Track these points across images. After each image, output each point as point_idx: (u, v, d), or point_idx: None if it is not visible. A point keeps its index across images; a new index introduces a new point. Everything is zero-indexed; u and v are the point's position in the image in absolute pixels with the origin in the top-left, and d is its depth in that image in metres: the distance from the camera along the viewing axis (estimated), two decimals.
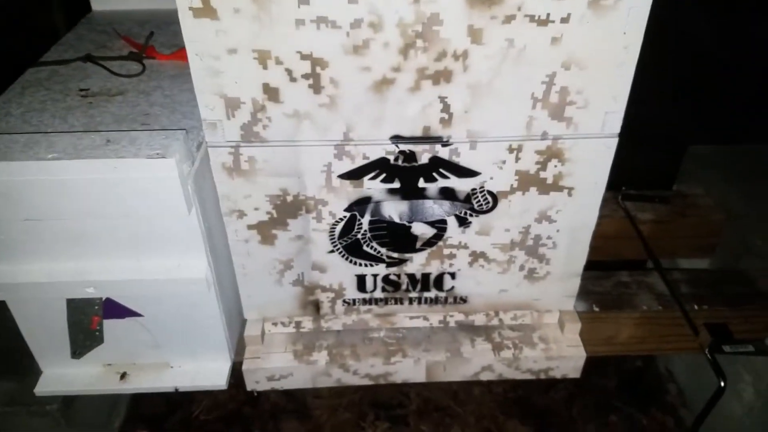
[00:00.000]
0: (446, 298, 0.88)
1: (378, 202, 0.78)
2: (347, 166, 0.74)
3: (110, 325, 0.85)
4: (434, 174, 0.75)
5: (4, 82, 0.89)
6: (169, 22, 1.07)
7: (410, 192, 0.77)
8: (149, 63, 0.93)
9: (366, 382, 0.88)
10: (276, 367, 0.86)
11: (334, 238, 0.81)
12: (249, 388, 0.88)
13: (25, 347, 0.89)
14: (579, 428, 1.19)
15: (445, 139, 0.72)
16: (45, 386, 0.89)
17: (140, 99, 0.84)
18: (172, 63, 0.94)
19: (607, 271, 1.05)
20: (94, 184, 0.69)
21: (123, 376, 0.89)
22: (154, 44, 0.98)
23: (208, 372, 0.90)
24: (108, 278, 0.77)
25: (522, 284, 0.86)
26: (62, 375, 0.90)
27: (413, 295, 0.88)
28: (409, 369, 0.87)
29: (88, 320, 0.84)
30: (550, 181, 0.76)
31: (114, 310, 0.83)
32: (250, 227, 0.79)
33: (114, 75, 0.90)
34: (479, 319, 0.90)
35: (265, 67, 0.65)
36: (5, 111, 0.81)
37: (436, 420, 1.17)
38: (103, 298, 0.82)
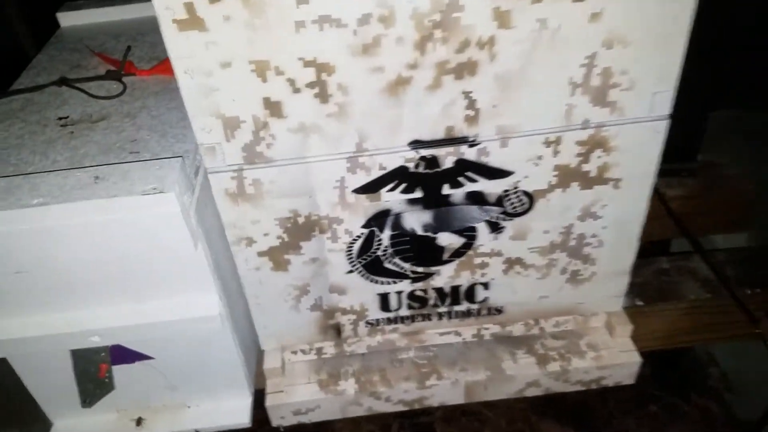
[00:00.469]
0: (479, 310, 0.82)
1: (398, 215, 0.71)
2: (362, 179, 0.68)
3: (120, 371, 0.80)
4: (460, 178, 0.68)
5: None
6: (144, 32, 1.00)
7: (433, 200, 0.70)
8: (129, 80, 0.86)
9: (400, 408, 0.83)
10: (301, 401, 0.81)
11: (352, 258, 0.75)
12: (274, 424, 0.83)
13: (31, 397, 0.84)
14: (618, 423, 1.13)
15: (471, 139, 0.65)
16: None
17: (125, 123, 0.77)
18: (154, 78, 0.87)
19: (644, 258, 0.99)
20: (86, 227, 0.63)
21: (139, 421, 0.84)
22: (132, 59, 0.91)
23: (229, 410, 0.85)
24: (113, 324, 0.72)
25: (564, 288, 0.80)
26: (74, 425, 0.86)
27: (442, 309, 0.82)
28: (446, 391, 0.82)
29: (96, 369, 0.79)
30: (593, 173, 0.69)
31: (123, 355, 0.78)
32: (260, 254, 0.73)
33: (93, 98, 0.83)
34: (517, 330, 0.85)
35: (264, 80, 0.59)
36: None
37: (464, 426, 1.12)
38: (110, 345, 0.76)
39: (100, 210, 0.61)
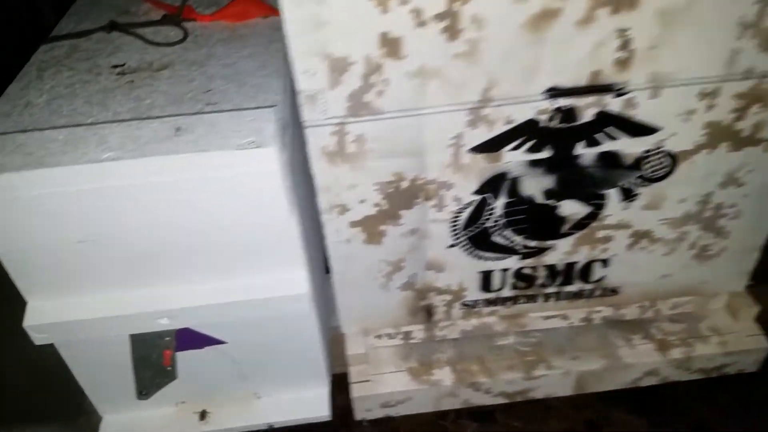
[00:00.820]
0: (592, 291, 0.75)
1: (516, 179, 0.64)
2: (483, 135, 0.60)
3: (183, 357, 0.73)
4: (598, 135, 0.61)
5: (10, 66, 0.74)
6: None
7: (562, 162, 0.63)
8: (188, 27, 0.77)
9: (499, 401, 0.76)
10: (391, 391, 0.74)
11: (457, 229, 0.67)
12: (359, 417, 0.76)
13: (79, 388, 0.76)
14: (690, 413, 1.07)
15: (618, 87, 0.57)
16: None
17: (193, 72, 0.68)
18: (217, 24, 0.78)
19: None
20: (166, 187, 0.55)
21: (203, 415, 0.77)
22: (189, 3, 0.82)
23: (304, 400, 0.77)
24: (186, 305, 0.64)
25: (689, 266, 0.73)
26: (127, 420, 0.78)
27: (551, 290, 0.75)
28: (555, 382, 0.75)
29: (158, 356, 0.71)
30: (746, 132, 0.61)
31: (191, 340, 0.70)
32: (353, 224, 0.66)
33: (151, 45, 0.74)
34: (631, 313, 0.77)
35: (384, 10, 0.50)
36: (24, 100, 0.66)
37: (528, 414, 1.04)
38: (177, 329, 0.69)
39: (186, 167, 0.53)
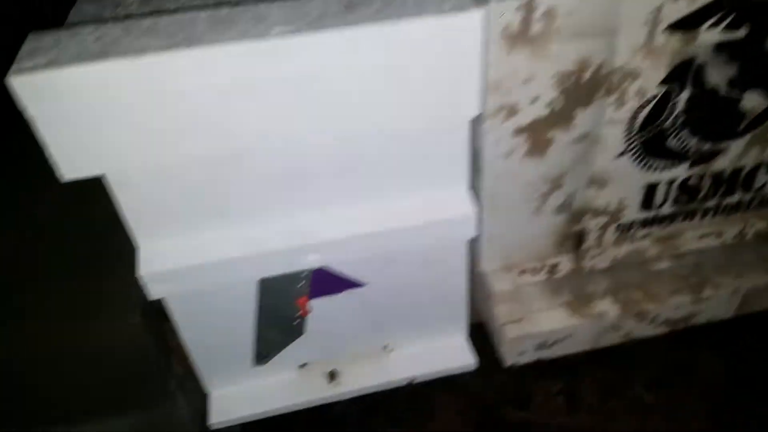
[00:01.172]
0: (750, 201, 0.69)
1: (702, 67, 0.56)
2: (684, 8, 0.52)
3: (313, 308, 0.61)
4: None
5: None
6: None
7: (749, 45, 0.56)
8: None
9: (661, 330, 0.69)
10: (549, 330, 0.65)
11: (632, 132, 0.60)
12: (509, 362, 0.66)
13: (185, 359, 0.63)
14: None
15: None
16: (220, 414, 0.64)
17: None
18: None
19: None
20: (344, 70, 0.43)
21: (333, 375, 0.65)
22: None
23: (444, 350, 0.67)
24: (336, 236, 0.52)
25: None
26: (239, 394, 0.65)
27: (711, 203, 0.68)
28: (721, 304, 0.68)
29: (291, 305, 0.59)
30: None
31: (325, 284, 0.59)
32: (518, 132, 0.56)
33: None
34: None
35: None
36: (112, 1, 0.52)
37: (614, 363, 0.96)
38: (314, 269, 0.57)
39: (378, 39, 0.42)
